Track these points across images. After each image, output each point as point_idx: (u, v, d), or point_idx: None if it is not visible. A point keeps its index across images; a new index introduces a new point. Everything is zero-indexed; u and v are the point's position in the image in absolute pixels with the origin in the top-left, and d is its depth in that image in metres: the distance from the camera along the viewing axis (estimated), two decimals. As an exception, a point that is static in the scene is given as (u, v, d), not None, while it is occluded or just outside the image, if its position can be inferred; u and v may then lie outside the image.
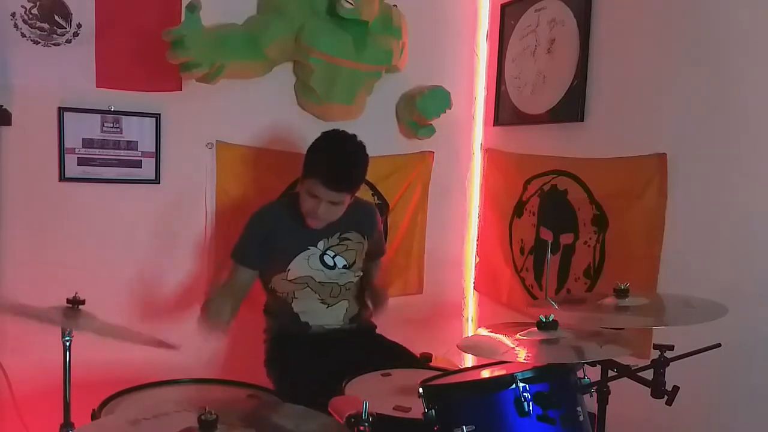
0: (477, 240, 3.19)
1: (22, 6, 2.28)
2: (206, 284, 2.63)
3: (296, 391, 1.90)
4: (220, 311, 2.04)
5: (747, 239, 1.92)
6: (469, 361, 2.91)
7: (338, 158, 2.11)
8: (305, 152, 2.18)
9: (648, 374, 1.50)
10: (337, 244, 2.27)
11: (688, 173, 2.09)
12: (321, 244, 2.25)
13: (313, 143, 2.19)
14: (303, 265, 2.22)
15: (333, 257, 2.26)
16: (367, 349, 2.16)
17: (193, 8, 2.17)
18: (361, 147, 2.16)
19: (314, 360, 2.08)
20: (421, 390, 1.45)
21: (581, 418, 1.48)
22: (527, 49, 2.81)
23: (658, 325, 1.86)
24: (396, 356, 2.14)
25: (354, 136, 2.18)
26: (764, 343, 1.88)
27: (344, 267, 2.27)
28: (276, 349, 2.28)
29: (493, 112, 3.04)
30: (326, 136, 2.19)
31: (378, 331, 2.41)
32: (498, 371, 1.59)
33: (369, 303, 2.35)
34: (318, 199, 2.09)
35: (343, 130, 2.21)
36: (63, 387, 1.46)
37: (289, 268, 2.22)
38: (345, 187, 2.11)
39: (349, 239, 2.30)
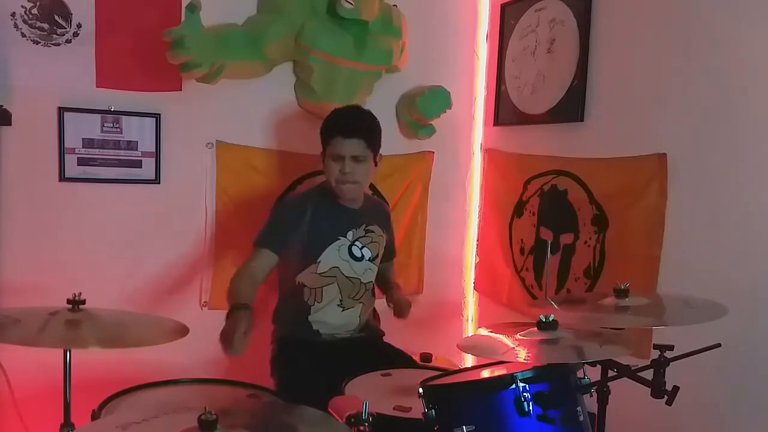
0: (477, 240, 3.19)
1: (22, 6, 2.28)
2: (206, 284, 2.64)
3: (299, 393, 1.89)
4: (240, 292, 1.99)
5: (747, 239, 1.92)
6: (469, 361, 2.91)
7: (350, 111, 2.27)
8: (319, 132, 2.26)
9: (648, 374, 1.50)
10: (364, 236, 2.30)
11: (688, 173, 2.09)
12: (350, 235, 2.27)
13: (324, 120, 2.27)
14: (334, 255, 2.23)
15: (361, 248, 2.28)
16: (374, 358, 2.16)
17: (193, 8, 2.17)
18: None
19: (321, 367, 2.07)
20: (421, 390, 1.45)
21: (581, 418, 1.48)
22: (527, 49, 2.81)
23: (658, 325, 1.87)
24: (402, 365, 2.13)
25: None
26: (764, 343, 1.88)
27: (369, 259, 2.30)
28: (283, 351, 2.28)
29: (493, 112, 3.04)
30: (334, 109, 2.30)
31: (384, 337, 2.41)
32: (498, 371, 1.59)
33: (392, 310, 2.35)
34: (342, 159, 2.16)
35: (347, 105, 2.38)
36: (63, 387, 1.46)
37: (320, 259, 2.22)
38: (362, 131, 2.19)
39: (373, 231, 2.33)
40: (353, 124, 2.20)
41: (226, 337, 1.78)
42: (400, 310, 2.30)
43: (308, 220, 2.22)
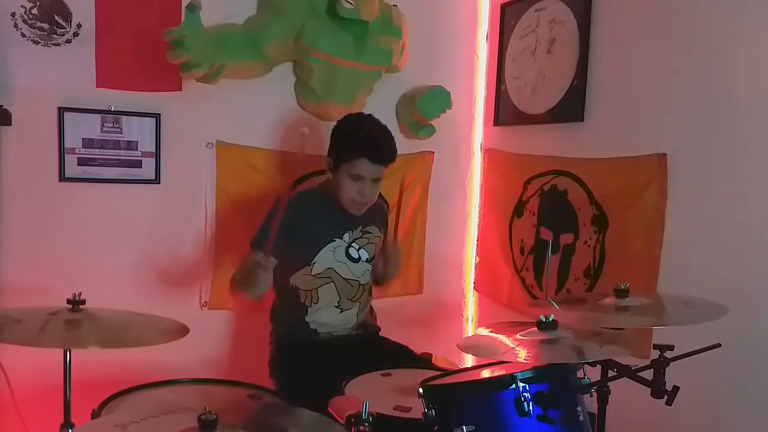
0: (477, 240, 3.19)
1: (22, 6, 2.28)
2: (206, 284, 2.64)
3: (299, 394, 1.89)
4: (246, 281, 2.02)
5: (747, 239, 1.93)
6: (469, 361, 2.91)
7: (377, 133, 2.18)
8: (331, 139, 2.22)
9: (648, 374, 1.50)
10: (360, 237, 2.29)
11: (688, 173, 2.09)
12: (347, 236, 2.26)
13: (339, 129, 2.22)
14: (329, 257, 2.22)
15: (358, 250, 2.27)
16: (372, 353, 2.16)
17: (193, 8, 2.17)
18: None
19: (320, 365, 2.08)
20: (421, 390, 1.45)
21: (581, 418, 1.48)
22: (527, 49, 2.81)
23: (658, 325, 1.87)
24: (399, 358, 2.13)
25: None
26: (764, 343, 1.88)
27: (366, 260, 2.29)
28: (281, 352, 2.28)
29: (493, 112, 3.04)
30: (352, 118, 2.25)
31: (380, 332, 2.41)
32: (498, 371, 1.59)
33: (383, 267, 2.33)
34: (362, 180, 2.14)
35: (361, 113, 2.31)
36: (63, 387, 1.46)
37: (314, 261, 2.21)
38: (389, 159, 2.17)
39: (369, 232, 2.32)
40: (384, 151, 2.15)
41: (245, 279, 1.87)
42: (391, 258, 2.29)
43: (304, 222, 2.21)
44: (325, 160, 2.25)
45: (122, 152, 2.47)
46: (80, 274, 2.32)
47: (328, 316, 2.25)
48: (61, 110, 2.37)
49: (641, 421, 2.04)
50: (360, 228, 2.30)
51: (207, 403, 1.15)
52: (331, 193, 2.24)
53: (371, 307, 2.44)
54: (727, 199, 1.98)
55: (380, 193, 2.81)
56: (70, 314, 1.52)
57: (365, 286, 2.31)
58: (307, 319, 2.25)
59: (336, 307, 2.26)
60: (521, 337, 1.53)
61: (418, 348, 2.40)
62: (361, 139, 2.15)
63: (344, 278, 2.25)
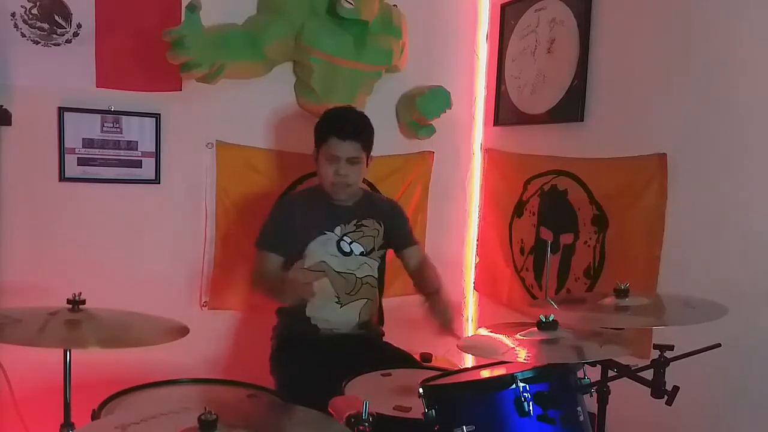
0: (477, 240, 3.19)
1: (22, 6, 2.28)
2: (206, 284, 2.64)
3: (298, 392, 1.89)
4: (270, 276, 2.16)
5: (747, 239, 1.92)
6: (469, 361, 2.91)
7: (347, 113, 2.29)
8: (314, 130, 2.29)
9: (648, 374, 1.49)
10: (354, 231, 2.30)
11: (688, 173, 2.09)
12: (338, 230, 2.28)
13: (319, 120, 2.31)
14: (319, 249, 2.25)
15: (350, 243, 2.29)
16: (373, 356, 2.16)
17: (193, 8, 2.17)
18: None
19: (319, 364, 2.08)
20: (421, 390, 1.45)
21: (581, 418, 1.48)
22: (527, 49, 2.81)
23: (658, 325, 1.87)
24: (401, 364, 2.13)
25: None
26: (764, 343, 1.88)
27: (361, 254, 2.30)
28: (282, 348, 2.29)
29: (493, 112, 3.04)
30: (329, 110, 2.34)
31: (384, 337, 2.41)
32: (498, 371, 1.59)
33: (422, 298, 2.19)
34: (338, 160, 2.20)
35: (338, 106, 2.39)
36: (63, 387, 1.46)
37: (305, 253, 2.24)
38: (359, 135, 2.23)
39: (365, 226, 2.33)
40: (350, 126, 2.23)
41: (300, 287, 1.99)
42: (443, 321, 2.05)
43: (295, 216, 2.25)
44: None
45: (122, 152, 2.47)
46: (80, 274, 2.32)
47: (328, 312, 2.25)
48: (61, 110, 2.37)
49: (641, 421, 2.04)
50: (354, 222, 2.31)
51: (207, 403, 1.15)
52: (322, 188, 2.29)
53: (380, 310, 2.43)
54: (727, 199, 1.98)
55: (381, 192, 2.84)
56: (70, 314, 1.52)
57: (364, 279, 2.31)
58: (307, 313, 2.26)
59: (336, 302, 2.26)
60: (521, 337, 1.53)
61: (418, 348, 2.40)
62: (329, 121, 2.26)
63: (337, 271, 2.26)
